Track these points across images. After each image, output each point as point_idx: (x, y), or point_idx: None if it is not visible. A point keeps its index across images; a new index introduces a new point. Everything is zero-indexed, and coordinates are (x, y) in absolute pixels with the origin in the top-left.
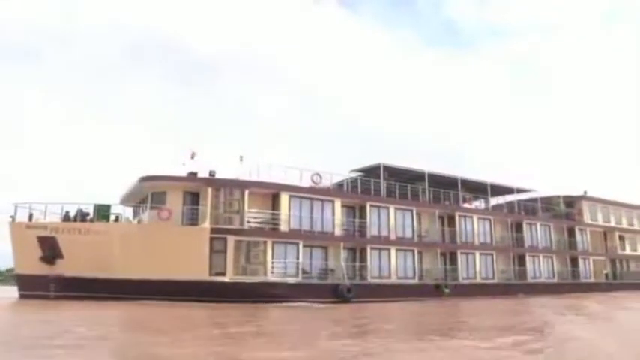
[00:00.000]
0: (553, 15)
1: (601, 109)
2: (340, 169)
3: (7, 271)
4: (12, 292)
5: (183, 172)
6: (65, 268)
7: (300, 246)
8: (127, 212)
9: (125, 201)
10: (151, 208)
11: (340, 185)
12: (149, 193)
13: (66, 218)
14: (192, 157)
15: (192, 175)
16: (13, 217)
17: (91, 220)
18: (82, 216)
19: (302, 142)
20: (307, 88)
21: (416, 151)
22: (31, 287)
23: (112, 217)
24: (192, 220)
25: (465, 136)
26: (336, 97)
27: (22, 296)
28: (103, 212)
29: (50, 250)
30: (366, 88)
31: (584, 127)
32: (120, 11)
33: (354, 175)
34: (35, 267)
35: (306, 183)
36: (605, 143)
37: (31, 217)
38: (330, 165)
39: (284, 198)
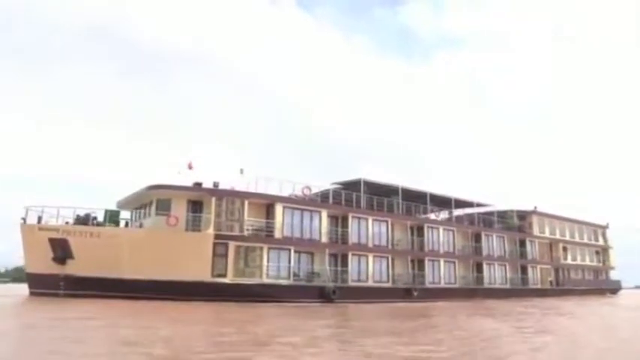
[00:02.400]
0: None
1: (554, 127)
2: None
3: None
4: (12, 290)
5: (176, 180)
6: (75, 268)
7: (292, 251)
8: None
9: (123, 205)
10: (157, 214)
11: (323, 195)
12: (154, 200)
13: (77, 221)
14: (190, 168)
15: (197, 185)
16: (24, 219)
17: (99, 224)
18: (90, 219)
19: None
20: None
21: (371, 155)
22: (41, 285)
23: (122, 222)
24: (195, 226)
25: (421, 144)
26: (296, 98)
27: (32, 294)
28: (113, 217)
29: (61, 251)
30: (321, 88)
31: (533, 147)
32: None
33: (335, 187)
34: (45, 266)
35: (289, 193)
36: (554, 162)
37: (40, 219)
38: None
39: (278, 208)
